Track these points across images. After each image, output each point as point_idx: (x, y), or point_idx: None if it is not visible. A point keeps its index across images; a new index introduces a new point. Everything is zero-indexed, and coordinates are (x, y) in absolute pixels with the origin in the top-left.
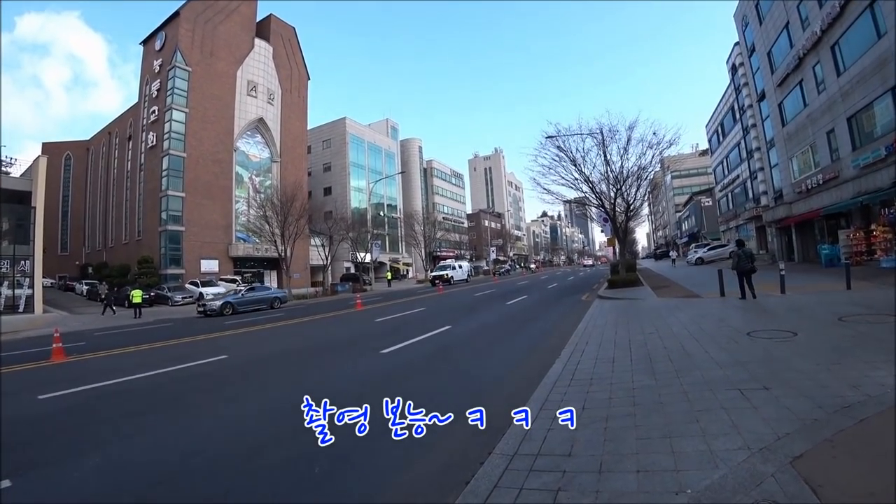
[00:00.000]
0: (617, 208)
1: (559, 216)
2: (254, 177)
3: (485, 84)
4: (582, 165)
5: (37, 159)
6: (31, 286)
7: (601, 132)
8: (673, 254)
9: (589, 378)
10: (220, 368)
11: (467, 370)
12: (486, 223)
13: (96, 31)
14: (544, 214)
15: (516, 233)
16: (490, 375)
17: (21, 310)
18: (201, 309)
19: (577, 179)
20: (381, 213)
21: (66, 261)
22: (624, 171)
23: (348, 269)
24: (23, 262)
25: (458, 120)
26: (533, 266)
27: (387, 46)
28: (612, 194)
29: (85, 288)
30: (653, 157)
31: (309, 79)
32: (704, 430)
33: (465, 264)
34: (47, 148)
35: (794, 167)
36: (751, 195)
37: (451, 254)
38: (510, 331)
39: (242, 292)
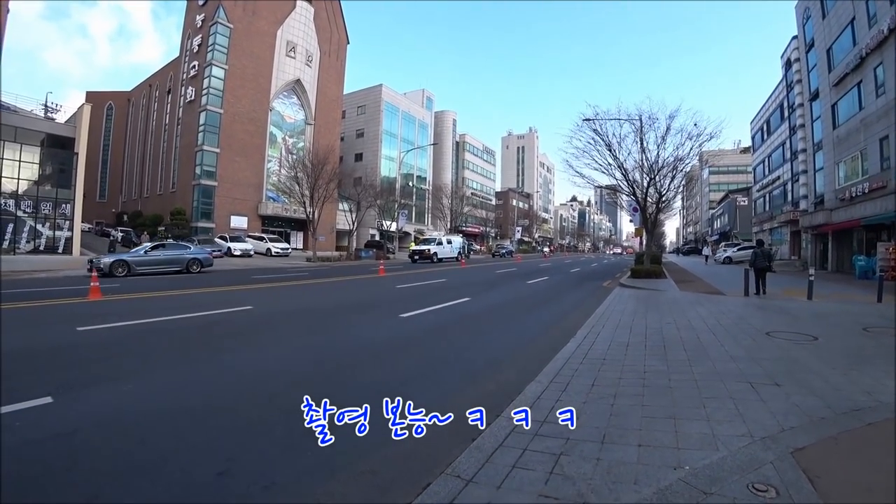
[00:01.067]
0: (648, 198)
1: (589, 202)
2: (287, 137)
3: (522, 60)
4: (617, 151)
5: (81, 107)
6: (71, 229)
7: (640, 118)
8: (707, 250)
9: (602, 358)
10: (244, 318)
11: (484, 340)
12: (515, 202)
13: None
14: (574, 199)
15: (543, 215)
16: (505, 347)
17: (60, 251)
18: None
19: (610, 165)
20: (410, 184)
21: (104, 207)
22: (659, 161)
23: (373, 236)
24: (63, 205)
25: (493, 95)
26: (546, 250)
27: (427, 16)
28: (645, 183)
29: (120, 234)
30: (691, 148)
31: (349, 43)
32: (710, 416)
33: (458, 240)
34: (91, 97)
35: (839, 173)
36: (789, 198)
37: (477, 230)
38: (528, 307)
39: (146, 249)
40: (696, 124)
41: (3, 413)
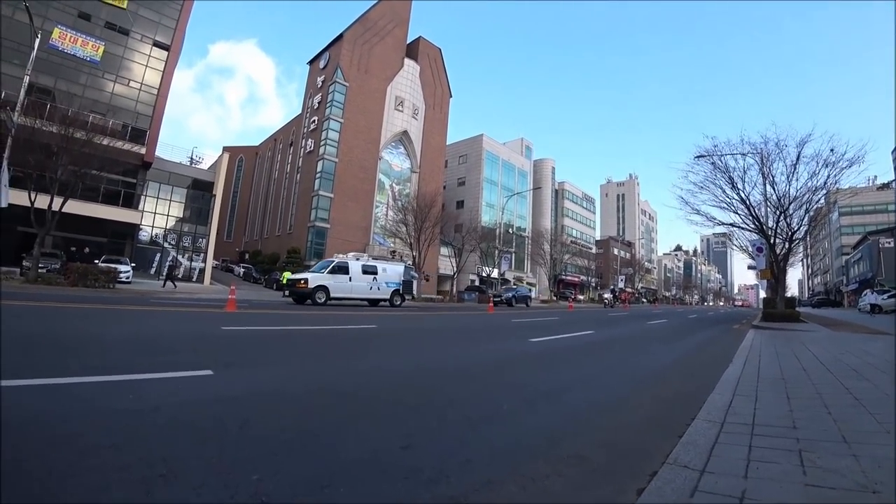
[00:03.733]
0: (779, 235)
1: (695, 251)
2: (394, 185)
3: (621, 104)
4: (740, 185)
5: (221, 155)
6: (205, 261)
7: (760, 152)
8: (872, 297)
9: (778, 377)
10: (372, 332)
11: (620, 365)
12: (616, 251)
13: (268, 55)
14: (678, 248)
15: (647, 264)
16: (651, 369)
17: (195, 279)
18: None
19: (733, 200)
20: (511, 230)
21: (229, 246)
22: (790, 193)
23: (473, 281)
24: (200, 239)
25: (593, 142)
26: (608, 296)
27: (526, 63)
28: (774, 219)
29: (242, 270)
30: (828, 177)
31: (451, 96)
32: None
33: (394, 268)
34: (226, 150)
35: None
36: None
37: (576, 279)
38: (658, 340)
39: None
40: (832, 150)
41: (173, 377)
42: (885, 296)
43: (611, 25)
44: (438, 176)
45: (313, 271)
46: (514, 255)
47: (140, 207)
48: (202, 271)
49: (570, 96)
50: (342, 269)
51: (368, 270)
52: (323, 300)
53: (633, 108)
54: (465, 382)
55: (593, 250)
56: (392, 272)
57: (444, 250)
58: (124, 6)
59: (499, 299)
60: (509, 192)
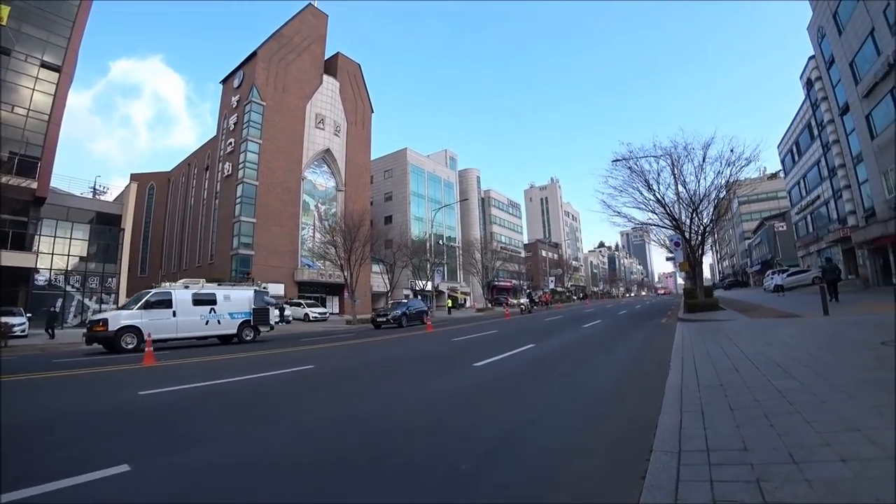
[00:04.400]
0: (693, 230)
1: (617, 246)
2: (319, 205)
3: (542, 112)
4: (655, 187)
5: (128, 185)
6: (116, 301)
7: (669, 154)
8: (777, 278)
9: (717, 384)
10: (308, 376)
11: (570, 388)
12: (544, 253)
13: (177, 72)
14: (601, 245)
15: (574, 263)
16: (601, 386)
17: None
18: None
19: (649, 200)
20: (441, 242)
21: (145, 282)
22: (700, 191)
23: (407, 296)
24: (109, 279)
25: (514, 149)
26: (523, 302)
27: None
28: (688, 216)
29: None
30: (731, 174)
31: (373, 112)
32: None
33: (239, 295)
34: (134, 178)
35: (887, 182)
36: (835, 215)
37: (509, 283)
38: (599, 348)
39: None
40: (732, 150)
41: (77, 485)
42: (786, 275)
43: (523, 33)
44: (365, 193)
45: (124, 307)
46: (446, 266)
47: (35, 249)
48: None
49: (489, 106)
50: (162, 302)
51: (202, 300)
52: (132, 345)
53: (551, 113)
54: (419, 435)
55: (522, 254)
56: (238, 300)
57: (375, 267)
58: (3, 22)
59: (384, 319)
60: (437, 205)
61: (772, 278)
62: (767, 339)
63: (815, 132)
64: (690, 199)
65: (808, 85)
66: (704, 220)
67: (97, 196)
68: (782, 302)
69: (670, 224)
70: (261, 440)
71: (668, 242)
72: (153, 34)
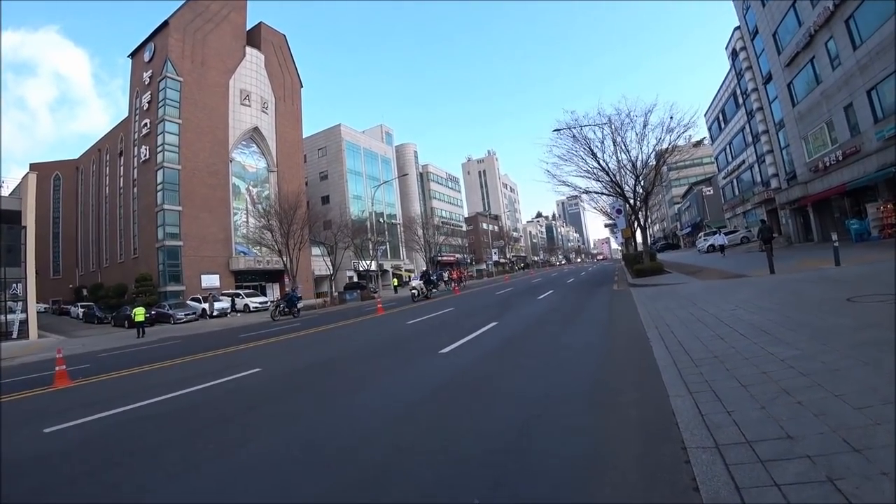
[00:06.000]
0: (638, 196)
1: (554, 216)
2: (251, 187)
3: (478, 84)
4: (600, 155)
5: (25, 176)
6: (25, 310)
7: (610, 121)
8: (720, 238)
9: (712, 356)
10: (258, 383)
11: (554, 374)
12: (485, 226)
13: (78, 45)
14: (539, 215)
15: (515, 234)
16: (586, 368)
17: (15, 336)
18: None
19: (595, 168)
20: (382, 220)
21: (60, 284)
22: (642, 157)
23: (351, 278)
24: (14, 285)
25: (450, 121)
26: (416, 284)
27: (376, 50)
28: (632, 182)
29: (81, 311)
30: (670, 141)
31: (302, 86)
32: None
33: None
34: (35, 168)
35: (807, 146)
36: (759, 179)
37: (452, 258)
38: (564, 321)
39: None
40: (671, 117)
41: None
42: (719, 234)
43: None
44: (299, 173)
45: None
46: (388, 244)
47: None
48: (24, 323)
49: (424, 79)
50: None
51: None
52: None
53: (487, 85)
54: (403, 458)
55: (464, 228)
56: None
57: (315, 250)
58: None
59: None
60: (375, 181)
61: (705, 239)
62: (732, 301)
63: (740, 100)
64: (633, 165)
65: (734, 55)
66: (646, 187)
67: None
68: (724, 263)
69: (614, 191)
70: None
71: (609, 210)
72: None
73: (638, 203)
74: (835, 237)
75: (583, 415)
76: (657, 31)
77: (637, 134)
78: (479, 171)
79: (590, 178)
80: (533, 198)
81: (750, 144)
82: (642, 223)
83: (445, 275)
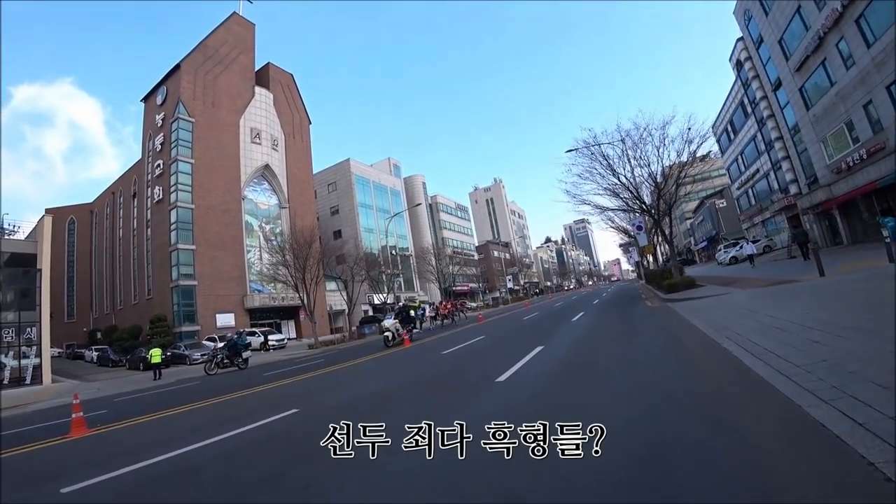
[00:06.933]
0: (662, 211)
1: (563, 240)
2: (264, 224)
3: (481, 111)
4: (621, 170)
5: (41, 219)
6: (39, 355)
7: (628, 135)
8: (748, 248)
9: (820, 360)
10: (299, 426)
11: (641, 383)
12: (496, 253)
13: (91, 95)
14: (548, 240)
15: (526, 261)
16: (678, 384)
17: (28, 381)
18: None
19: (615, 185)
20: (394, 252)
21: (73, 328)
22: (663, 170)
23: (366, 311)
24: (28, 329)
25: (454, 151)
26: (389, 325)
27: (379, 85)
28: (654, 198)
29: (95, 354)
30: (691, 153)
31: (310, 123)
32: None
33: None
34: (51, 212)
35: (827, 149)
36: (777, 186)
37: (466, 287)
38: (616, 338)
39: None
40: (689, 129)
41: None
42: (738, 248)
43: (462, 30)
44: (310, 208)
45: None
46: (401, 275)
47: None
48: (37, 368)
49: (429, 110)
50: None
51: None
52: None
53: (490, 111)
54: None
55: (475, 256)
56: None
57: (329, 285)
58: None
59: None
60: (385, 214)
61: (726, 251)
62: (796, 306)
63: (749, 110)
64: (654, 180)
65: (738, 66)
66: (668, 200)
67: (8, 235)
68: (757, 272)
69: (638, 207)
70: None
71: (629, 227)
72: (60, 55)
73: (661, 217)
74: (885, 233)
75: (720, 437)
76: (665, 47)
77: (656, 147)
78: (487, 200)
79: (610, 195)
80: (541, 223)
81: (763, 152)
82: (668, 236)
83: (428, 308)
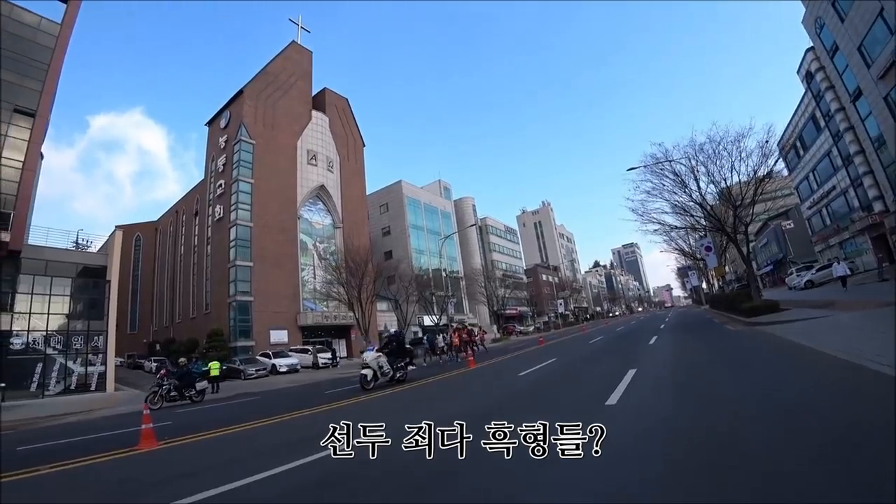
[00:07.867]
0: (738, 231)
1: (611, 264)
2: (318, 243)
3: (533, 133)
4: (693, 187)
5: (112, 234)
6: (104, 363)
7: (702, 151)
8: (839, 269)
9: None
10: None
11: (790, 408)
12: (545, 277)
13: (158, 123)
14: (596, 264)
15: (575, 285)
16: (839, 414)
17: (93, 388)
18: None
19: (686, 202)
20: (445, 273)
21: (135, 339)
22: (740, 187)
23: (416, 333)
24: (95, 337)
25: (503, 171)
26: (368, 360)
27: (421, 104)
28: (732, 216)
29: (154, 365)
30: (768, 166)
31: (364, 145)
32: None
33: None
34: (119, 228)
35: None
36: (857, 204)
37: (515, 312)
38: (715, 360)
39: None
40: (767, 141)
41: None
42: (814, 271)
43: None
44: (363, 228)
45: None
46: (454, 297)
47: (11, 308)
48: (102, 376)
49: (476, 131)
50: None
51: None
52: None
53: (541, 132)
54: None
55: (524, 280)
56: None
57: (381, 305)
58: None
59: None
60: (435, 236)
61: (799, 275)
62: None
63: (822, 123)
64: (730, 195)
65: (808, 77)
66: (745, 218)
67: (80, 250)
68: (850, 294)
69: (711, 226)
70: None
71: (693, 250)
72: (131, 85)
73: (740, 236)
74: None
75: None
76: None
77: (732, 161)
78: (535, 223)
79: (679, 212)
80: (590, 247)
81: (840, 168)
82: (745, 256)
83: (441, 338)
